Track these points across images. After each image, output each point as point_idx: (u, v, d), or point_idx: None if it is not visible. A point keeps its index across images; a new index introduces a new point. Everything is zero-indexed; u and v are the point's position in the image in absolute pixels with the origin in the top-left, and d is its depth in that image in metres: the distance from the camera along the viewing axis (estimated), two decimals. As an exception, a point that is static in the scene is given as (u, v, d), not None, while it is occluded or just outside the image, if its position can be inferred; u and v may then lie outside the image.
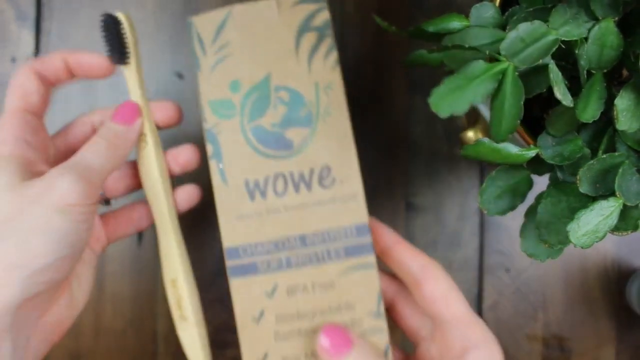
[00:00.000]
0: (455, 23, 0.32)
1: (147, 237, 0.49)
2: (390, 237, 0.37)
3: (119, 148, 0.36)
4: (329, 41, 0.36)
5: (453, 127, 0.49)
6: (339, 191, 0.35)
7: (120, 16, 0.37)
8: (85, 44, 0.49)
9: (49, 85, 0.37)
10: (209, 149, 0.36)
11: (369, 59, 0.49)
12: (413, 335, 0.38)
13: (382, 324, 0.35)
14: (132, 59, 0.37)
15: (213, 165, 0.36)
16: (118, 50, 0.37)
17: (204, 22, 0.36)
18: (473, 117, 0.42)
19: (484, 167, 0.49)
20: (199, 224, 0.44)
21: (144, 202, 0.41)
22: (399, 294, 0.38)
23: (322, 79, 0.36)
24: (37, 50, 0.49)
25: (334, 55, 0.36)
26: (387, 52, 0.49)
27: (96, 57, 0.37)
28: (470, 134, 0.42)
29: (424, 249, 0.49)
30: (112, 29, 0.36)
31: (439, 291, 0.35)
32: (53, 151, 0.38)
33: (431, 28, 0.32)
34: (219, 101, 0.36)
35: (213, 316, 0.49)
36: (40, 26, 0.49)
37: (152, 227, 0.46)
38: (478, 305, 0.49)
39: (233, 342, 0.49)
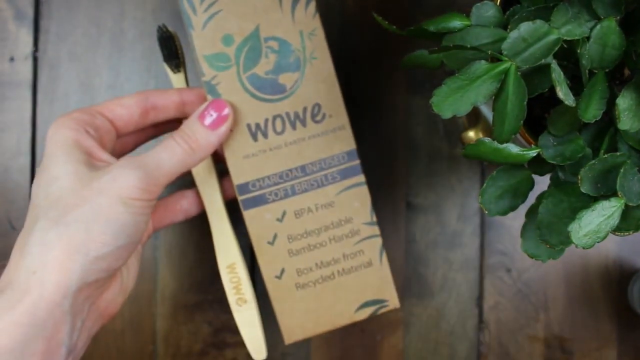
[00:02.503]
0: (456, 22, 0.32)
1: (146, 237, 0.49)
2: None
3: (197, 153, 0.37)
4: None
5: (453, 127, 0.49)
6: (330, 124, 0.40)
7: (174, 32, 0.42)
8: (83, 43, 0.49)
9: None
10: (210, 100, 0.39)
11: (369, 58, 0.49)
12: None
13: (376, 230, 0.42)
14: (182, 69, 0.42)
15: None
16: (171, 59, 0.42)
17: None
18: (474, 117, 0.42)
19: (484, 167, 0.49)
20: (198, 225, 0.44)
21: (193, 189, 0.42)
22: None
23: (305, 27, 0.39)
24: (35, 49, 0.49)
25: (313, 5, 0.39)
26: (387, 52, 0.49)
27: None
28: (471, 134, 0.42)
29: (425, 249, 0.49)
30: (167, 40, 0.41)
31: None
32: (114, 136, 0.39)
33: (432, 27, 0.32)
34: (214, 55, 0.39)
35: (213, 317, 0.49)
36: (39, 25, 0.49)
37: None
38: (479, 306, 0.49)
39: (232, 343, 0.49)
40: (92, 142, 0.36)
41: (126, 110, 0.38)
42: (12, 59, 0.49)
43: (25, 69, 0.49)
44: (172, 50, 0.42)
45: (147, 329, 0.49)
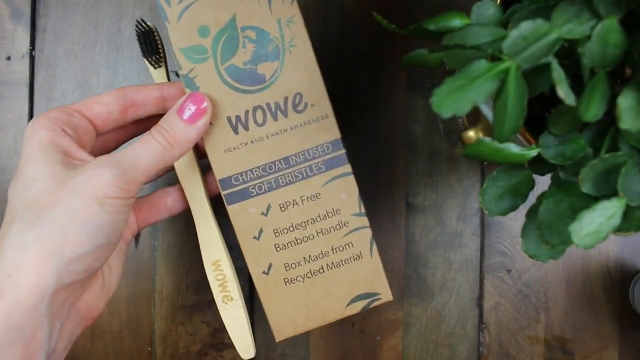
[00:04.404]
0: (456, 21, 0.32)
1: (144, 238, 0.49)
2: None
3: (175, 148, 0.36)
4: None
5: (453, 127, 0.49)
6: (312, 114, 0.39)
7: (153, 26, 0.41)
8: (80, 41, 0.48)
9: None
10: (188, 93, 0.38)
11: (369, 57, 0.49)
12: None
13: (365, 221, 0.40)
14: (163, 64, 0.42)
15: None
16: (151, 54, 0.41)
17: None
18: (474, 117, 0.42)
19: (484, 167, 0.49)
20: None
21: (177, 186, 0.42)
22: None
23: (283, 15, 0.39)
24: (32, 48, 0.48)
25: None
26: (387, 51, 0.49)
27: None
28: (471, 134, 0.41)
29: (425, 249, 0.49)
30: (146, 35, 0.41)
31: None
32: (93, 135, 0.38)
33: (432, 26, 0.32)
34: (190, 47, 0.38)
35: (211, 318, 0.49)
36: (36, 24, 0.48)
37: (149, 226, 0.45)
38: (479, 306, 0.49)
39: (231, 343, 0.48)
40: (70, 142, 0.35)
41: (104, 107, 0.37)
42: (8, 58, 0.48)
43: (22, 68, 0.48)
44: (151, 45, 0.41)
45: (145, 329, 0.49)
